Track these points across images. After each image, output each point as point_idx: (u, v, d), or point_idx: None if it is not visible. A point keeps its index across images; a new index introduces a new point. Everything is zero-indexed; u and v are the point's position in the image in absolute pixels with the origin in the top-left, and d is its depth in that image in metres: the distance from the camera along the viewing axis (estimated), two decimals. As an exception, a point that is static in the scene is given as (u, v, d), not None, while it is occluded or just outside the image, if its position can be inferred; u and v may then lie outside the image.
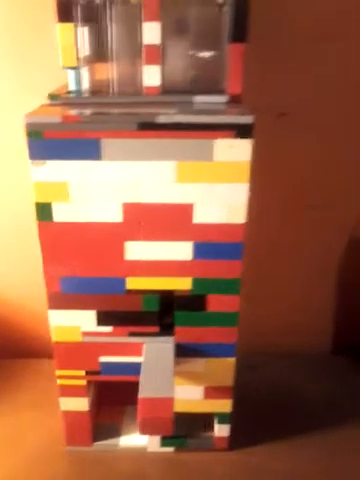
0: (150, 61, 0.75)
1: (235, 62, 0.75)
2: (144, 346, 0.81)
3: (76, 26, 0.73)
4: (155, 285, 0.78)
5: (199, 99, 0.76)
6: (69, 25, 0.72)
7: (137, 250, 0.75)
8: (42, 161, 0.69)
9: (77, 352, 0.83)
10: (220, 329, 0.81)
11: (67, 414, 0.90)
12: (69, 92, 0.78)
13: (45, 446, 0.97)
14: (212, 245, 0.75)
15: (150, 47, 0.74)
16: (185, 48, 0.76)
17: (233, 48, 0.74)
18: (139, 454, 0.94)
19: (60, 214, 0.73)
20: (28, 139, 0.68)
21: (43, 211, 0.73)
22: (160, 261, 0.76)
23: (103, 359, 0.84)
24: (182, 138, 0.68)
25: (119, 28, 0.74)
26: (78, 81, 0.77)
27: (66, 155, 0.69)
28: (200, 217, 0.73)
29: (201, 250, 0.75)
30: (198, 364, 0.84)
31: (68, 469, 0.93)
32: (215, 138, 0.68)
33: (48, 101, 0.76)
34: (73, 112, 0.70)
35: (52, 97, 0.75)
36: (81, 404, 0.89)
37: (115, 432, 0.97)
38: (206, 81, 0.77)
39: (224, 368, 0.85)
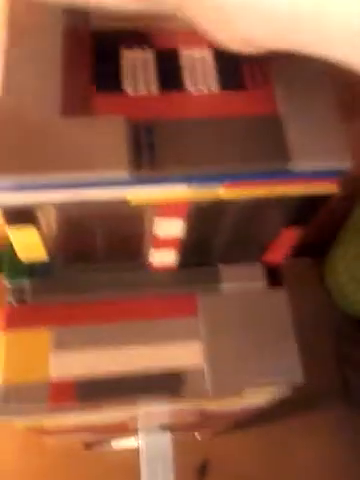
0: (161, 248, 0.48)
1: (286, 240, 0.51)
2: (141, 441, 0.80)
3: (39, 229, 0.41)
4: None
5: (227, 286, 0.53)
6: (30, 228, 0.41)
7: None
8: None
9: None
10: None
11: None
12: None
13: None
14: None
15: (164, 238, 0.46)
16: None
17: (288, 230, 0.49)
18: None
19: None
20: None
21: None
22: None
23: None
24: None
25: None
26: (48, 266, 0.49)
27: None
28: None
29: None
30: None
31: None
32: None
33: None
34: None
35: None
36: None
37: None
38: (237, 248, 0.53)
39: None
